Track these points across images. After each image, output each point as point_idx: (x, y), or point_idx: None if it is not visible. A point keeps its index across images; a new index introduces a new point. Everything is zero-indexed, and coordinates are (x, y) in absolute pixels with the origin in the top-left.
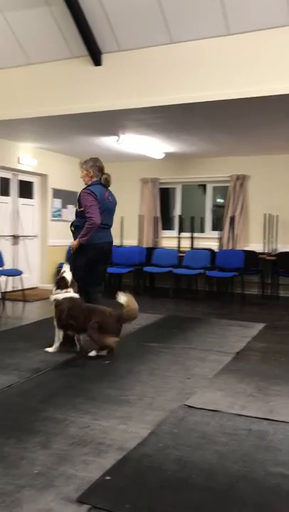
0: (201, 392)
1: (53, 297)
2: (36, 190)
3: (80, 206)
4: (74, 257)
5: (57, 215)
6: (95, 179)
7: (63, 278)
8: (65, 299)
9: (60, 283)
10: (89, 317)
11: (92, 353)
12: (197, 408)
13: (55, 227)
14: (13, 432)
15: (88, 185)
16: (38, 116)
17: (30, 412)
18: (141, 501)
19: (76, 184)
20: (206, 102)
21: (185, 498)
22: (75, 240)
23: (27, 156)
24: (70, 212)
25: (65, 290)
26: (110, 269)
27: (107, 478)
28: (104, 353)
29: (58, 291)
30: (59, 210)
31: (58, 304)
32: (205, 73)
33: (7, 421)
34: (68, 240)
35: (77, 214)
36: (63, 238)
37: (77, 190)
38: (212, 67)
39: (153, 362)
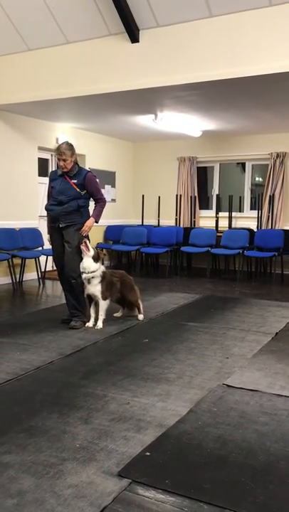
0: (240, 371)
1: (98, 271)
2: None
3: (83, 188)
4: (84, 235)
5: None
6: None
7: (98, 252)
8: (104, 272)
9: (99, 256)
10: (121, 282)
11: (141, 317)
12: (236, 387)
13: (93, 207)
14: (56, 406)
15: (78, 169)
16: (76, 96)
17: (72, 388)
18: (181, 477)
19: (113, 164)
20: (247, 77)
21: (225, 476)
22: (65, 221)
23: (65, 137)
24: (107, 192)
25: (100, 263)
26: (147, 249)
27: (147, 453)
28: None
29: (98, 264)
30: None
31: (104, 277)
32: (245, 47)
33: (49, 396)
34: (106, 220)
35: (77, 196)
36: (101, 218)
37: (113, 170)
38: (252, 41)
39: (191, 341)
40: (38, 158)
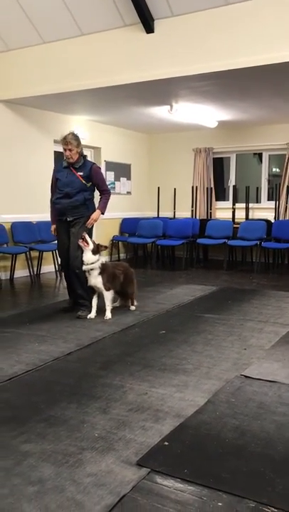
0: (258, 362)
1: (97, 263)
2: None
3: (89, 180)
4: (89, 228)
5: (110, 188)
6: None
7: (99, 244)
8: (103, 264)
9: (99, 249)
10: (124, 275)
11: (133, 308)
12: (254, 378)
13: (109, 200)
14: (74, 396)
15: (84, 161)
16: (91, 88)
17: (90, 379)
18: (199, 467)
19: (128, 156)
20: (263, 65)
21: (244, 466)
22: (72, 215)
23: (80, 129)
24: (123, 185)
25: (98, 255)
26: (163, 242)
27: (166, 443)
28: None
29: (97, 256)
30: (112, 183)
31: (104, 268)
32: (262, 36)
33: (68, 386)
34: (121, 212)
35: (83, 188)
36: (117, 211)
37: (129, 162)
38: (269, 29)
39: (208, 332)
40: (54, 151)
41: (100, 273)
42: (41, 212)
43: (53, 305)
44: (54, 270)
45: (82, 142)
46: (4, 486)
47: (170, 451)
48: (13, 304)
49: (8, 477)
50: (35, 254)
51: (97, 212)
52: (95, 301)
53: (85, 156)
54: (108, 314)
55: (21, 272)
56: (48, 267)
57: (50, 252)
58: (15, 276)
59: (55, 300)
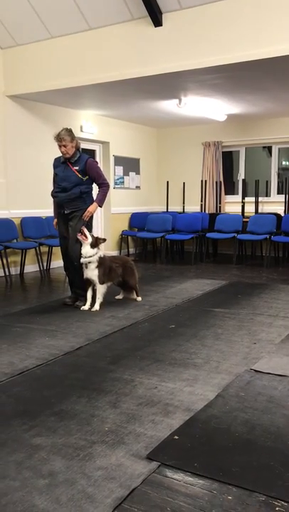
0: (268, 357)
1: (95, 257)
2: (98, 158)
3: (85, 174)
4: (87, 221)
5: (119, 183)
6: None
7: (98, 237)
8: (101, 257)
9: (98, 242)
10: (123, 268)
11: (140, 299)
12: (264, 373)
13: (118, 195)
14: (84, 391)
15: (80, 156)
16: (99, 83)
17: (99, 373)
18: (209, 461)
19: (137, 151)
20: (273, 58)
21: (254, 460)
22: (69, 207)
23: (89, 124)
24: (132, 180)
25: (97, 248)
26: (172, 236)
27: (176, 437)
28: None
29: (95, 250)
30: (121, 178)
31: (101, 262)
32: (271, 27)
33: (77, 381)
34: (130, 207)
35: (79, 182)
36: (126, 206)
37: (138, 156)
38: (278, 21)
39: (218, 327)
40: None
41: (97, 266)
42: (50, 208)
43: (63, 300)
44: (63, 265)
45: (90, 137)
46: (16, 479)
47: (180, 445)
48: (23, 299)
49: (19, 470)
50: (44, 249)
51: (94, 205)
52: (89, 294)
53: (87, 150)
54: (97, 306)
55: (31, 267)
56: (58, 262)
57: (59, 247)
58: (25, 272)
59: (64, 295)
